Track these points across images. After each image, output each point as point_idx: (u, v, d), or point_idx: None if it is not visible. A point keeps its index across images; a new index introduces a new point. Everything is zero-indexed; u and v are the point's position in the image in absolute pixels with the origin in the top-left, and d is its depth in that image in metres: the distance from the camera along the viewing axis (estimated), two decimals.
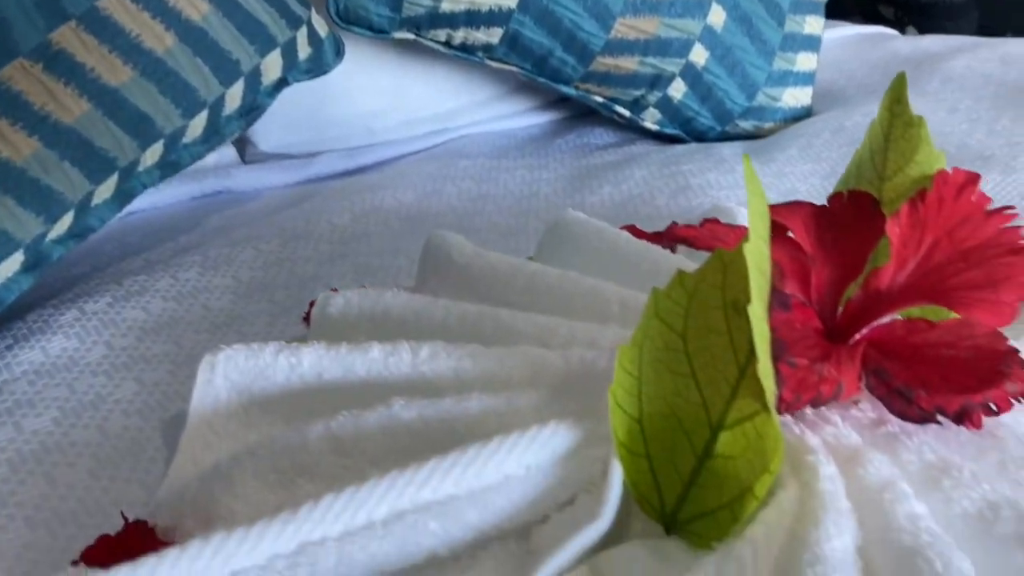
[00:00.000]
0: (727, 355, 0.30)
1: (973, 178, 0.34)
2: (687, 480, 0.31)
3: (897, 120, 0.35)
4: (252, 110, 0.67)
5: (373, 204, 0.72)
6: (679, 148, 0.87)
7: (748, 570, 0.27)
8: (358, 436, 0.36)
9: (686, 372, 0.32)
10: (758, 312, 0.28)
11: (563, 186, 0.77)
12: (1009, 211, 0.34)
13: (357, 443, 0.36)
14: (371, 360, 0.40)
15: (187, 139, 0.62)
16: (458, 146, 0.89)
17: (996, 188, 0.67)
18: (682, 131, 0.92)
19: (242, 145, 0.89)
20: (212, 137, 0.64)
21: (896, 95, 0.34)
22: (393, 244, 0.64)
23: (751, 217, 0.28)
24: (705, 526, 0.30)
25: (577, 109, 1.00)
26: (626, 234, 0.51)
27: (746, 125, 0.92)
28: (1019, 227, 0.34)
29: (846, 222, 0.35)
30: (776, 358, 0.30)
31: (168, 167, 0.63)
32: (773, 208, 0.37)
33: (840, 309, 0.34)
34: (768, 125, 0.93)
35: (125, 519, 0.37)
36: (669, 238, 0.35)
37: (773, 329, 0.31)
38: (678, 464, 0.32)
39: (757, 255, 0.28)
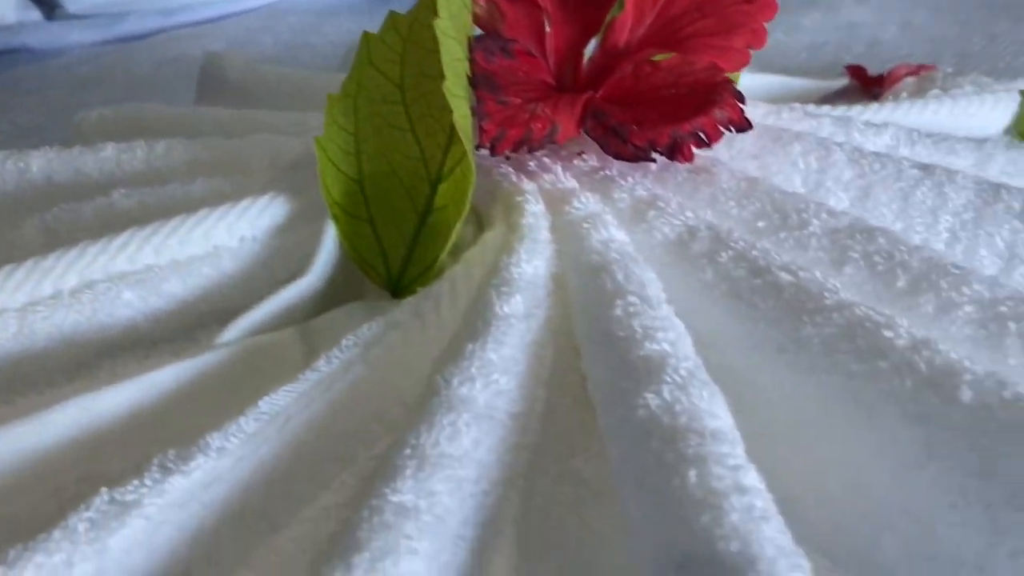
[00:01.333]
0: (443, 102, 0.28)
1: None
2: (410, 241, 0.30)
3: None
4: None
5: (179, 53, 0.67)
6: None
7: (444, 303, 0.26)
8: (74, 227, 0.33)
9: (405, 126, 0.30)
10: (444, 28, 0.26)
11: None
12: None
13: (72, 234, 0.33)
14: (103, 159, 0.37)
15: None
16: (289, 5, 0.84)
17: (817, 24, 0.68)
18: None
19: (50, 10, 0.82)
20: None
21: None
22: (190, 87, 0.60)
23: None
24: (422, 282, 0.29)
25: None
26: None
27: None
28: None
29: None
30: (488, 95, 0.28)
31: None
32: None
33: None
34: None
35: None
36: None
37: (492, 73, 0.29)
38: (401, 225, 0.30)
39: None
